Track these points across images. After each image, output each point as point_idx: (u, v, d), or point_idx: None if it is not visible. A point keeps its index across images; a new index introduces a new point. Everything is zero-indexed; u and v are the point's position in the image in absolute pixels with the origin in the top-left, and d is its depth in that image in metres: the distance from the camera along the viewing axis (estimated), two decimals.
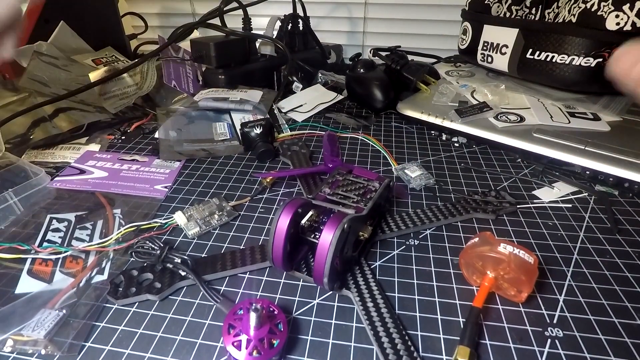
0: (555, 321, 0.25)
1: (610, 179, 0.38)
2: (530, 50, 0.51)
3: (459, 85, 0.59)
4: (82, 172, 0.41)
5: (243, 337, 0.22)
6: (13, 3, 0.30)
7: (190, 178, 0.41)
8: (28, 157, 0.44)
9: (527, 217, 0.35)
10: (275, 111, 0.56)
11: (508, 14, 0.56)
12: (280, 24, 0.70)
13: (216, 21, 0.61)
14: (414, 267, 0.29)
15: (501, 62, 0.56)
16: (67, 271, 0.29)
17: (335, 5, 0.85)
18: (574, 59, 0.47)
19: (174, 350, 0.23)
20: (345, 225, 0.24)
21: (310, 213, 0.29)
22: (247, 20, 0.62)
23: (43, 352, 0.23)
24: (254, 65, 0.62)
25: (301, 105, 0.58)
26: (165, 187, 0.39)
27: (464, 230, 0.33)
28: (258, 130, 0.45)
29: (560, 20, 0.48)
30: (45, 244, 0.31)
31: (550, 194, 0.39)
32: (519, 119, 0.47)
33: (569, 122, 0.46)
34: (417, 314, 0.26)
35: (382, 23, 0.85)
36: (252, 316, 0.22)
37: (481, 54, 0.59)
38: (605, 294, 0.27)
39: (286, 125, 0.53)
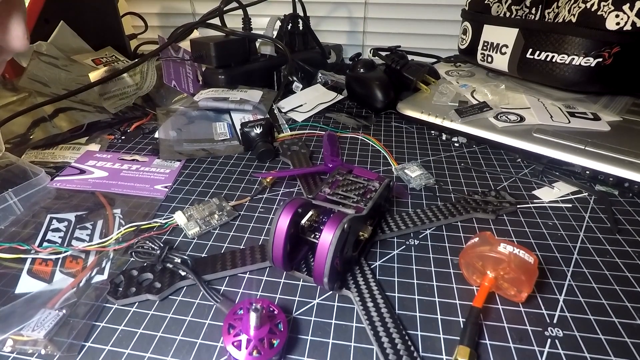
0: (555, 321, 0.25)
1: (610, 179, 0.38)
2: (530, 50, 0.51)
3: (459, 85, 0.59)
4: (82, 172, 0.41)
5: (243, 337, 0.22)
6: None
7: (190, 178, 0.41)
8: (28, 157, 0.44)
9: (527, 217, 0.35)
10: (275, 111, 0.56)
11: (508, 14, 0.56)
12: (280, 24, 0.69)
13: (216, 21, 0.61)
14: (414, 267, 0.29)
15: (501, 62, 0.56)
16: (67, 271, 0.29)
17: (335, 5, 0.85)
18: (574, 58, 0.47)
19: (174, 350, 0.23)
20: (345, 225, 0.24)
21: (310, 213, 0.29)
22: (247, 20, 0.62)
23: (43, 352, 0.23)
24: (254, 65, 0.62)
25: (301, 105, 0.57)
26: (165, 187, 0.39)
27: (464, 230, 0.33)
28: (258, 130, 0.45)
29: (560, 20, 0.48)
30: (45, 243, 0.31)
31: (550, 193, 0.39)
32: (519, 118, 0.47)
33: (569, 122, 0.46)
34: (417, 314, 0.26)
35: (382, 23, 0.85)
36: (252, 316, 0.22)
37: (481, 53, 0.59)
38: (605, 293, 0.27)
39: (286, 125, 0.53)
